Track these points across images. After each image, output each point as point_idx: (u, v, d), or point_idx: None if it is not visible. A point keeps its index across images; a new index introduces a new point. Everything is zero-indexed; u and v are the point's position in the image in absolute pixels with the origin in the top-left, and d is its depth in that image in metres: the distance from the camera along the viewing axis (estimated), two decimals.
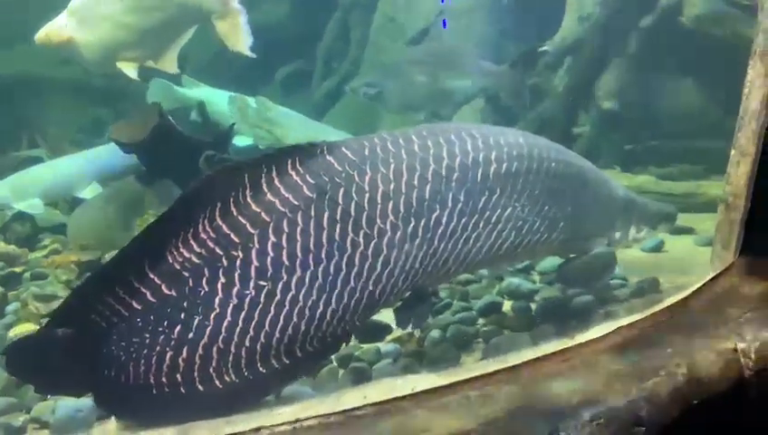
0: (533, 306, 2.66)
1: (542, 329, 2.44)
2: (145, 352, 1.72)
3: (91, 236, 3.65)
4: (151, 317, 1.72)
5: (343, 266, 1.82)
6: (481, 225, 2.05)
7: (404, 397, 1.51)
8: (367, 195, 1.87)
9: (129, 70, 3.60)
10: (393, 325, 2.22)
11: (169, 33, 3.63)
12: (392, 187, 1.90)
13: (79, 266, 3.34)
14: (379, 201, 1.87)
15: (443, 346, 2.37)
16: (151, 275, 1.72)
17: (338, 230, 1.82)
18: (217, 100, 4.92)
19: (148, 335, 1.71)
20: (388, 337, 2.39)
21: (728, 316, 1.88)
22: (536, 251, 2.38)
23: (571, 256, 2.64)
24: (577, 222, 2.37)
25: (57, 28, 3.60)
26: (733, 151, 2.17)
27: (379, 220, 1.87)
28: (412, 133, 2.02)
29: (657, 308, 1.97)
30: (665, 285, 2.67)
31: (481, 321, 2.58)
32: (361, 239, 1.84)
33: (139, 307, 1.72)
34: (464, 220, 2.01)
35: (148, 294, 1.72)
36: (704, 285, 2.11)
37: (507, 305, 2.68)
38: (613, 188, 2.62)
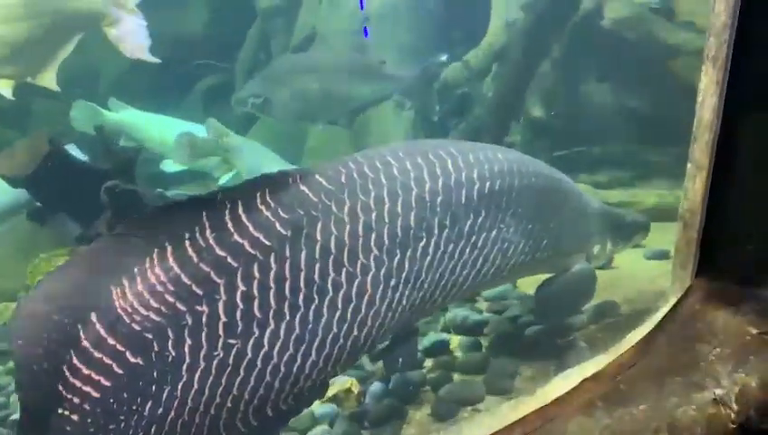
0: (484, 342, 2.43)
1: (496, 371, 2.21)
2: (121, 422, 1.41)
3: None
4: (123, 394, 1.40)
5: (324, 312, 1.57)
6: (467, 251, 1.85)
7: None
8: (347, 227, 1.62)
9: (4, 88, 3.18)
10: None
11: (47, 46, 3.24)
12: (374, 216, 1.66)
13: None
14: (361, 234, 1.63)
15: (386, 402, 2.08)
16: (110, 341, 1.39)
17: (317, 271, 1.56)
18: (145, 123, 4.59)
19: (122, 417, 1.40)
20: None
21: (698, 355, 1.69)
22: (519, 272, 2.18)
23: (549, 275, 2.42)
24: (559, 238, 2.19)
25: None
26: (689, 165, 2.00)
27: (361, 255, 1.63)
28: (388, 154, 1.78)
29: (620, 348, 1.76)
30: (622, 307, 2.49)
31: (428, 363, 2.32)
32: (344, 279, 1.60)
33: (109, 383, 1.39)
34: (450, 247, 1.80)
35: (113, 365, 1.40)
36: (666, 314, 1.93)
37: (455, 341, 2.43)
38: (589, 201, 2.46)
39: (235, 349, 1.47)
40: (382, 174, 1.71)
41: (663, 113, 4.74)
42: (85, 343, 1.38)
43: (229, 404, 1.48)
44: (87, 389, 1.38)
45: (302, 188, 1.59)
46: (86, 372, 1.39)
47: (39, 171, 3.15)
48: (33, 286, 2.96)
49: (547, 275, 2.40)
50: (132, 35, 3.25)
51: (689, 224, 2.07)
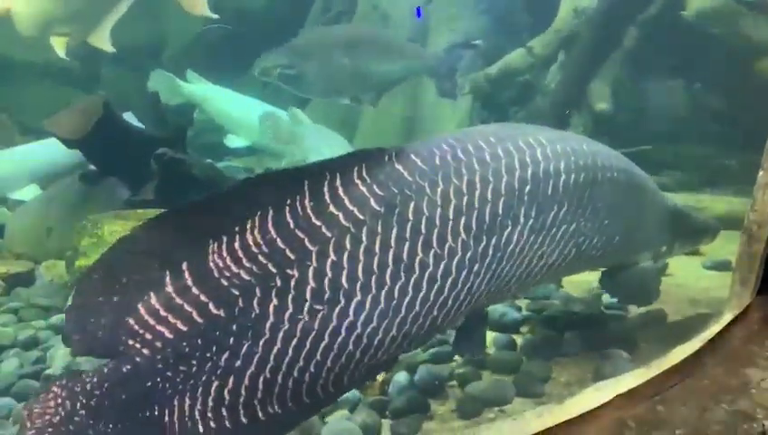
0: (519, 341, 2.32)
1: (529, 373, 2.10)
2: (191, 382, 1.44)
3: (28, 244, 3.26)
4: (198, 341, 1.43)
5: (409, 290, 1.58)
6: (546, 242, 1.83)
7: None
8: (439, 210, 1.63)
9: (59, 47, 3.27)
10: None
11: (100, 5, 3.29)
12: (465, 200, 1.67)
13: (5, 281, 2.96)
14: (451, 217, 1.64)
15: (410, 394, 2.01)
16: (195, 291, 1.43)
17: (406, 249, 1.58)
18: (218, 98, 4.59)
19: (195, 362, 1.43)
20: None
21: (749, 381, 1.54)
22: (586, 266, 2.16)
23: (614, 269, 2.34)
24: (631, 235, 2.16)
25: None
26: (760, 173, 1.83)
27: (450, 238, 1.64)
28: (479, 139, 1.78)
29: (663, 364, 1.63)
30: (672, 318, 2.33)
31: (457, 358, 2.23)
32: (431, 260, 1.60)
33: (185, 328, 1.42)
34: (532, 238, 1.79)
35: (194, 313, 1.43)
36: (719, 332, 1.78)
37: (489, 338, 2.33)
38: (664, 199, 2.40)
39: (320, 315, 1.50)
40: (475, 159, 1.72)
41: (743, 116, 4.44)
42: (169, 289, 1.42)
43: (312, 369, 1.50)
44: (160, 328, 1.42)
45: (398, 166, 1.61)
46: (163, 313, 1.42)
47: (92, 134, 3.20)
48: (78, 247, 3.02)
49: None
50: None
51: (755, 237, 1.90)
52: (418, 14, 5.10)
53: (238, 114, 4.53)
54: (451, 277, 1.62)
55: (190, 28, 5.74)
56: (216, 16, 3.39)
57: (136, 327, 1.40)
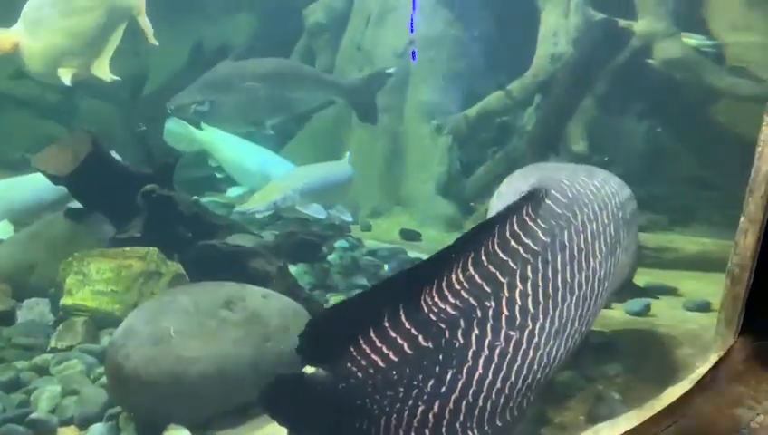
0: None
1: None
2: (397, 405, 1.58)
3: (9, 281, 3.20)
4: (407, 370, 1.59)
5: (572, 309, 1.80)
6: (612, 266, 2.05)
7: None
8: (582, 235, 1.89)
9: (65, 75, 3.36)
10: None
11: (99, 37, 3.41)
12: (595, 226, 1.95)
13: None
14: (590, 240, 1.91)
15: None
16: (407, 326, 1.60)
17: (568, 273, 1.82)
18: (227, 146, 4.72)
19: (402, 389, 1.59)
20: None
21: (740, 421, 1.61)
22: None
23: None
24: (630, 268, 2.38)
25: (7, 33, 3.45)
26: (742, 218, 1.92)
27: (592, 260, 1.89)
28: (574, 174, 2.10)
29: (656, 405, 1.68)
30: (660, 359, 2.40)
31: None
32: (583, 280, 1.85)
33: (396, 359, 1.59)
34: (612, 260, 2.03)
35: (405, 345, 1.59)
36: (707, 373, 1.84)
37: None
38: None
39: (514, 339, 1.66)
40: (587, 190, 2.03)
41: (704, 157, 4.64)
42: (386, 324, 1.59)
43: (506, 391, 1.64)
44: (375, 357, 1.57)
45: (548, 201, 1.87)
46: (378, 344, 1.58)
47: (80, 171, 3.19)
48: (63, 285, 2.99)
49: None
50: (147, 21, 3.42)
51: (737, 279, 1.99)
52: (413, 56, 5.24)
53: (241, 161, 4.63)
54: (595, 294, 1.86)
55: (171, 64, 5.79)
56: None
57: (355, 354, 1.56)
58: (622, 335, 2.60)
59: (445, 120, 5.29)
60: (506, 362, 1.64)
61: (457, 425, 1.59)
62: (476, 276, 1.66)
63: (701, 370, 1.89)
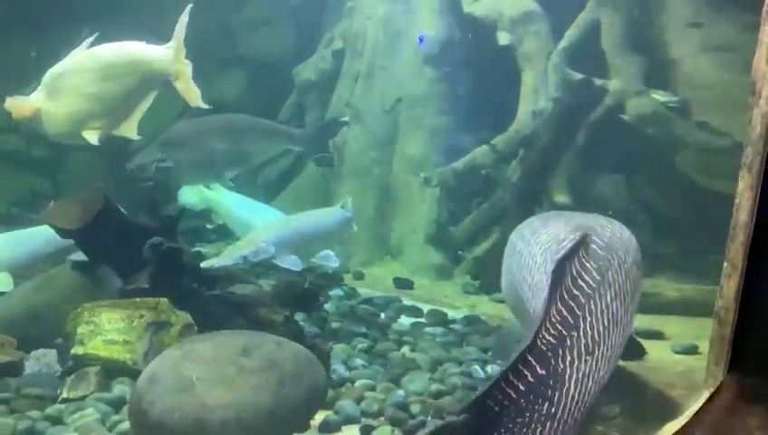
0: None
1: None
2: (524, 430, 1.82)
3: (15, 332, 3.24)
4: (531, 396, 1.84)
5: (620, 336, 2.09)
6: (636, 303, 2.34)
7: None
8: (619, 276, 2.18)
9: (91, 136, 3.48)
10: None
11: (132, 100, 3.54)
12: (626, 267, 2.24)
13: None
14: (623, 281, 2.18)
15: None
16: (529, 358, 1.88)
17: (617, 305, 2.11)
18: (233, 205, 4.89)
19: (527, 414, 1.83)
20: None
21: None
22: None
23: None
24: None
25: (27, 101, 3.53)
26: (725, 264, 2.11)
27: (626, 297, 2.17)
28: (603, 219, 2.51)
29: None
30: (654, 399, 2.53)
31: None
32: (622, 311, 2.12)
33: (523, 388, 1.84)
34: (637, 298, 2.32)
35: (528, 375, 1.85)
36: (701, 407, 1.99)
37: None
38: None
39: (590, 362, 1.95)
40: (605, 231, 2.34)
41: (673, 208, 4.88)
42: (518, 364, 1.87)
43: (582, 408, 1.90)
44: (508, 390, 1.84)
45: (592, 245, 2.19)
46: (511, 379, 1.85)
47: (90, 226, 3.29)
48: (74, 335, 3.04)
49: None
50: (192, 85, 3.54)
51: (723, 321, 2.16)
52: (421, 41, 5.57)
53: (243, 218, 4.78)
54: (629, 324, 2.15)
55: (159, 117, 5.94)
56: (209, 107, 3.67)
57: (495, 392, 1.82)
58: (617, 378, 2.74)
59: (432, 172, 5.51)
60: (584, 383, 1.90)
61: None
62: (563, 310, 1.99)
63: (695, 406, 2.04)
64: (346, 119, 5.48)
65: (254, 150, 4.78)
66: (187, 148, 4.51)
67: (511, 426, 1.81)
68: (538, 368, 1.86)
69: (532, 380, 1.84)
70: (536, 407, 1.83)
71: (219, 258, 3.81)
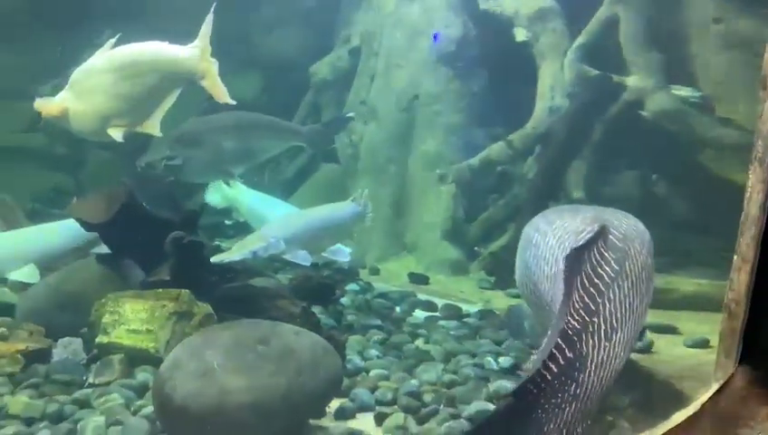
0: None
1: None
2: (556, 410, 1.91)
3: (43, 321, 3.36)
4: (562, 378, 1.93)
5: (635, 324, 2.18)
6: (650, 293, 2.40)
7: None
8: (635, 266, 2.25)
9: (116, 133, 3.57)
10: None
11: (156, 98, 3.62)
12: (641, 259, 2.30)
13: (25, 357, 3.04)
14: (639, 271, 2.25)
15: None
16: (559, 341, 1.96)
17: (632, 294, 2.19)
18: (250, 201, 5.04)
19: (559, 395, 1.92)
20: None
21: None
22: None
23: None
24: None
25: (55, 101, 3.61)
26: (735, 257, 2.13)
27: (641, 286, 2.25)
28: (618, 212, 2.56)
29: (664, 427, 1.86)
30: (664, 391, 2.57)
31: None
32: (637, 301, 2.20)
33: (556, 370, 1.92)
34: (651, 288, 2.38)
35: (560, 358, 1.94)
36: (710, 397, 2.02)
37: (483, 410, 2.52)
38: None
39: (611, 345, 2.04)
40: (621, 224, 2.41)
41: (695, 203, 4.87)
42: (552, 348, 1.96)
43: (599, 391, 1.99)
44: (544, 372, 1.92)
45: (610, 236, 2.26)
46: (548, 362, 1.93)
47: (114, 220, 3.40)
48: (99, 324, 3.14)
49: None
50: (219, 82, 3.60)
51: (734, 313, 2.18)
52: (435, 39, 5.65)
53: (262, 214, 4.89)
54: (642, 315, 2.24)
55: (178, 115, 6.05)
56: (234, 102, 3.74)
57: (542, 371, 1.89)
58: (627, 371, 2.77)
59: (448, 169, 5.55)
60: (604, 367, 2.00)
61: (576, 422, 1.94)
62: (585, 297, 2.07)
63: (704, 396, 2.07)
64: (352, 115, 5.54)
65: (261, 147, 4.84)
66: (196, 145, 4.58)
67: (547, 407, 1.90)
68: (567, 351, 1.95)
69: (562, 362, 1.93)
70: (566, 388, 1.92)
71: (229, 253, 3.84)
